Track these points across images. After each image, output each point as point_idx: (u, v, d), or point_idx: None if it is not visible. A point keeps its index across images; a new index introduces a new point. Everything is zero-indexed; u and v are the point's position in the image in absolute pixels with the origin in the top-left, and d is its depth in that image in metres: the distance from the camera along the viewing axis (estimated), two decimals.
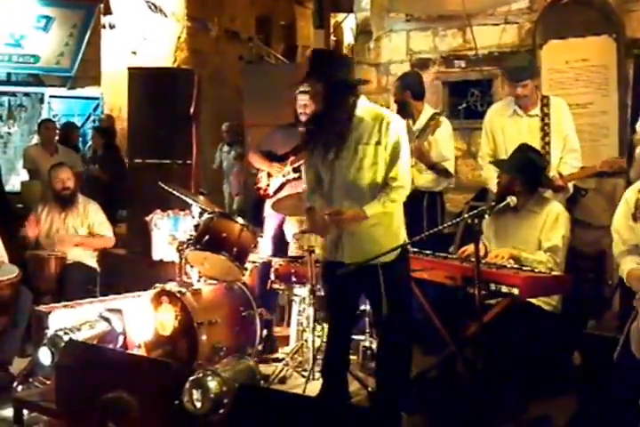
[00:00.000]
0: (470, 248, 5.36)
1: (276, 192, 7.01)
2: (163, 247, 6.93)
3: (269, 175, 7.05)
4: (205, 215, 5.86)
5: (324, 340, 5.69)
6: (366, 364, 5.78)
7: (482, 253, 5.30)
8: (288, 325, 6.60)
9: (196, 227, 5.85)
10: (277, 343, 6.37)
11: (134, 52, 13.27)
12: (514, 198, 4.92)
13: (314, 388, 5.25)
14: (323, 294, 5.45)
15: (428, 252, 5.44)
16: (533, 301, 5.06)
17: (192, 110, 7.16)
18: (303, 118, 6.89)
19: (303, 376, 5.58)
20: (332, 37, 19.01)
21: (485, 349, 4.67)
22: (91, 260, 7.06)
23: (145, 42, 13.19)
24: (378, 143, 4.51)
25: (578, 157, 5.94)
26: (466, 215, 4.73)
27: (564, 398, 5.13)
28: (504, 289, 4.72)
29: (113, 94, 12.80)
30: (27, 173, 9.52)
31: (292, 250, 6.56)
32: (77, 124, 11.99)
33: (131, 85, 7.41)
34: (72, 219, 7.08)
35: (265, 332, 5.97)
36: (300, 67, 11.28)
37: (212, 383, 4.37)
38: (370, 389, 5.26)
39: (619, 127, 7.05)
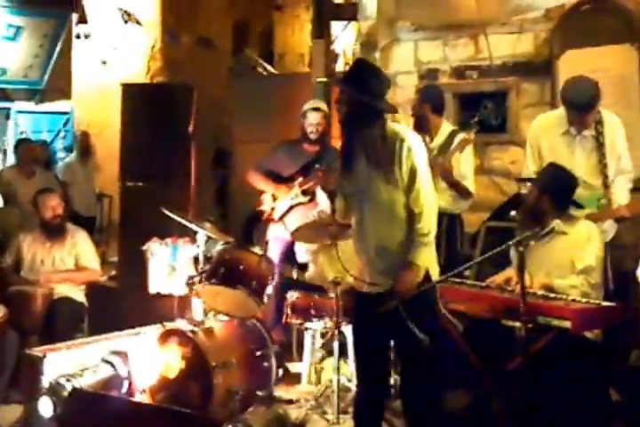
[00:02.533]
0: (500, 278, 5.21)
1: (282, 216, 6.81)
2: (160, 279, 6.66)
3: (274, 197, 6.84)
4: (219, 245, 5.61)
5: (350, 379, 5.51)
6: (390, 403, 5.56)
7: (514, 281, 5.16)
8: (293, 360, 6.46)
9: (209, 258, 5.60)
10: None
11: (104, 62, 13.06)
12: (559, 222, 4.78)
13: None
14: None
15: (460, 280, 5.24)
16: None
17: (191, 129, 6.89)
18: (313, 137, 6.74)
19: (327, 420, 5.39)
20: (310, 44, 19.00)
21: (524, 383, 4.55)
22: (79, 294, 6.75)
23: (117, 52, 12.97)
24: (393, 163, 4.41)
25: (630, 178, 5.79)
26: (510, 242, 4.60)
27: None
28: (554, 322, 4.53)
29: (84, 108, 12.59)
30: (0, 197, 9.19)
31: (310, 273, 6.35)
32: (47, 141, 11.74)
33: (124, 102, 7.12)
34: (59, 249, 6.78)
35: (281, 372, 5.74)
36: (298, 78, 11.12)
37: None
38: None
39: None
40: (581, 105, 5.59)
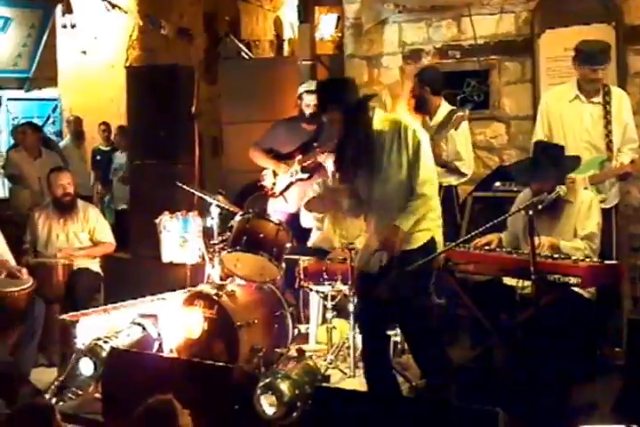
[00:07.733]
0: (483, 240, 5.36)
1: (282, 191, 6.92)
2: (172, 250, 6.79)
3: (275, 174, 6.95)
4: (237, 216, 5.74)
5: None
6: (398, 358, 5.74)
7: (494, 244, 5.35)
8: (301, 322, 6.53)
9: (230, 228, 5.73)
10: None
11: (84, 52, 13.05)
12: (564, 188, 4.92)
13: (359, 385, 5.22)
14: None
15: (466, 246, 5.35)
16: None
17: (194, 109, 6.98)
18: (311, 117, 6.82)
19: (343, 373, 5.57)
20: (273, 32, 19.04)
21: (529, 336, 4.77)
22: (95, 265, 6.88)
23: (97, 41, 12.97)
24: (400, 148, 4.60)
25: (635, 148, 5.95)
26: (520, 207, 4.78)
27: (607, 385, 5.18)
28: (564, 279, 4.68)
29: (70, 95, 12.59)
30: (7, 178, 9.20)
31: (314, 240, 6.48)
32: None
33: (129, 84, 7.17)
34: (72, 225, 6.89)
35: (296, 331, 5.89)
36: (283, 61, 11.19)
37: (284, 386, 4.30)
38: (414, 383, 5.21)
39: None
40: (595, 56, 5.76)
